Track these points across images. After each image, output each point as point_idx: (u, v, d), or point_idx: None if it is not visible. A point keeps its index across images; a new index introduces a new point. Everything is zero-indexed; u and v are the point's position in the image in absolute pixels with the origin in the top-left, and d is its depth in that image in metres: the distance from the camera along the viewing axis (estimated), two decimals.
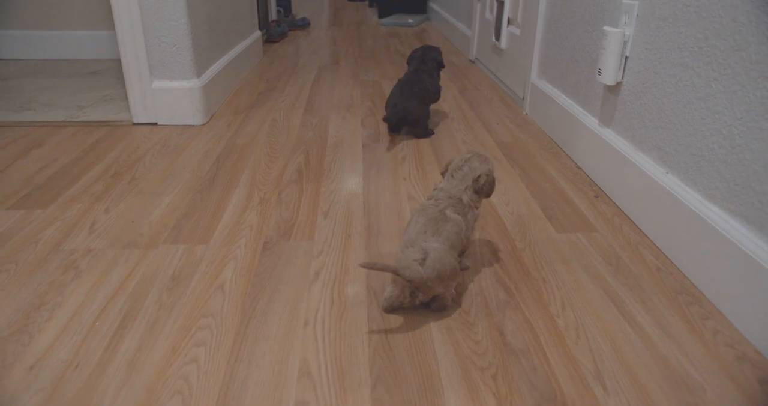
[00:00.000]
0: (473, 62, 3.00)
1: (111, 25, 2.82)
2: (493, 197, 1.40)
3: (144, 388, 0.81)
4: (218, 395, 0.80)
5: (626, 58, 1.37)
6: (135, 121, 1.91)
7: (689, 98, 1.12)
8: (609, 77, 1.40)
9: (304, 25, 4.20)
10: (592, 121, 1.55)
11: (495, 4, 2.54)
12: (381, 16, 4.84)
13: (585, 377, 0.84)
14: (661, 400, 0.80)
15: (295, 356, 0.88)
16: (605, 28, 1.39)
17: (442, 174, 1.08)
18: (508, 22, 2.38)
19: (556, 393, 0.81)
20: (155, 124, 1.92)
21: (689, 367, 0.87)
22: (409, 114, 1.77)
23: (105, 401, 0.79)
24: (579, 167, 1.59)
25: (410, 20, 4.42)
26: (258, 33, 2.94)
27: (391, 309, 0.98)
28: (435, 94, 1.88)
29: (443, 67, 1.98)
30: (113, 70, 2.63)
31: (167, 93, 1.88)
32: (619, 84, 1.40)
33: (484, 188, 1.04)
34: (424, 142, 1.77)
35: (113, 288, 1.04)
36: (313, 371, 0.85)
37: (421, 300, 0.96)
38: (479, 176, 1.03)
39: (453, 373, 0.85)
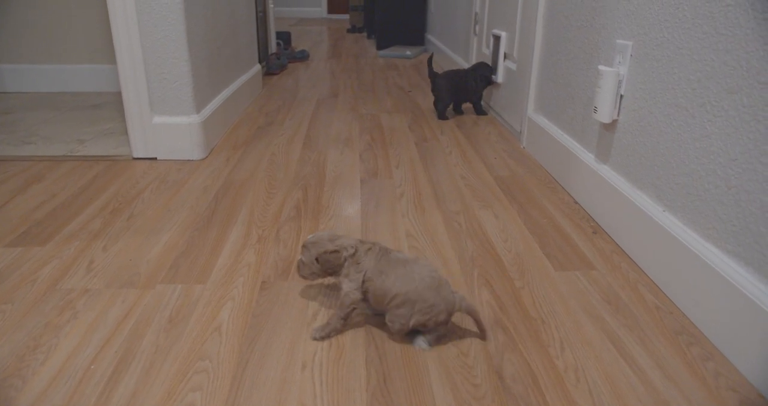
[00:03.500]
0: None
1: (113, 59, 2.85)
2: (491, 234, 1.40)
3: None
4: None
5: (621, 96, 1.38)
6: (135, 155, 1.92)
7: (684, 138, 1.13)
8: (605, 115, 1.41)
9: (303, 57, 4.25)
10: (588, 157, 1.56)
11: (491, 39, 2.58)
12: (379, 47, 4.90)
13: None
14: None
15: (293, 402, 0.87)
16: (600, 67, 1.41)
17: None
18: (505, 56, 2.42)
19: None
20: (155, 158, 1.93)
21: None
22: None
23: None
24: (577, 203, 1.60)
25: (408, 52, 4.48)
26: (258, 66, 2.98)
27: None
28: (472, 94, 2.53)
29: (490, 83, 2.52)
30: (114, 104, 2.66)
31: (167, 128, 1.90)
32: (614, 122, 1.42)
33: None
34: (422, 178, 1.78)
35: (109, 330, 1.03)
36: None
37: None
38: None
39: None
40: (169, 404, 0.86)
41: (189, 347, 0.98)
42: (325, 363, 0.95)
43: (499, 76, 2.45)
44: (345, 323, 1.02)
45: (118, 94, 2.80)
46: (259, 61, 3.10)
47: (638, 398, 0.88)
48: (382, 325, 1.04)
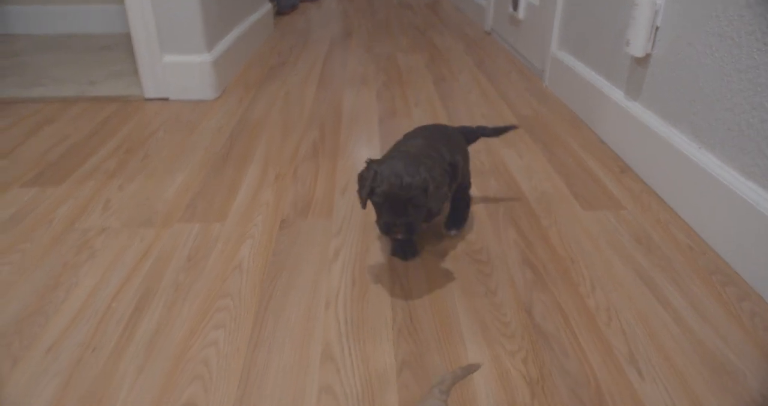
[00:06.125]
0: (489, 34, 2.92)
1: None
2: (515, 173, 1.36)
3: (163, 372, 0.79)
4: (239, 380, 0.78)
5: (657, 28, 1.30)
6: (146, 96, 1.87)
7: (728, 70, 1.06)
8: (638, 48, 1.34)
9: None
10: (617, 94, 1.49)
11: None
12: None
13: (619, 361, 0.81)
14: (700, 386, 0.77)
15: (317, 340, 0.85)
16: None
17: None
18: None
19: (589, 378, 0.78)
20: (167, 99, 1.88)
21: (728, 352, 0.83)
22: None
23: (124, 386, 0.77)
24: (603, 142, 1.54)
25: None
26: (269, 5, 2.87)
27: None
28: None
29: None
30: (124, 45, 2.58)
31: (178, 67, 1.84)
32: (648, 56, 1.34)
33: None
34: (441, 117, 1.72)
35: (129, 268, 1.01)
36: (336, 355, 0.82)
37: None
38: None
39: (481, 357, 0.82)
40: (193, 341, 0.84)
41: (210, 286, 0.97)
42: (350, 301, 0.93)
43: (521, 13, 2.34)
44: None
45: (129, 36, 2.72)
46: (270, 0, 2.99)
47: (672, 337, 0.86)
48: (405, 264, 1.02)
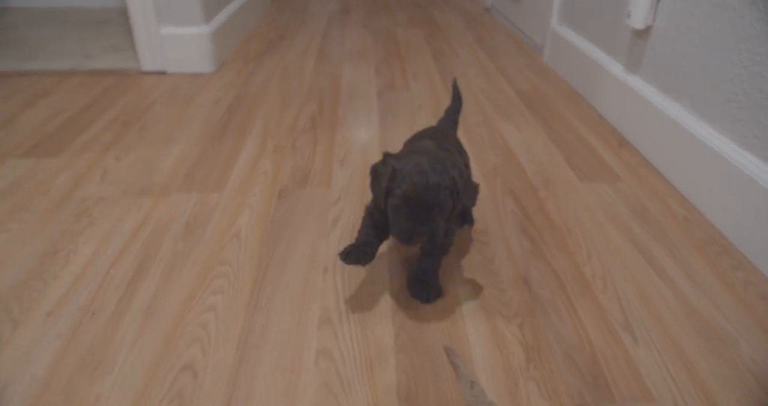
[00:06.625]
0: (488, 10, 2.89)
1: None
2: (514, 146, 1.36)
3: (162, 336, 0.80)
4: (238, 343, 0.79)
5: None
6: (143, 69, 1.86)
7: (728, 40, 1.06)
8: (638, 20, 1.33)
9: None
10: (617, 68, 1.49)
11: None
12: None
13: (614, 327, 0.82)
14: (693, 352, 0.78)
15: (315, 305, 0.86)
16: None
17: None
18: None
19: (584, 343, 0.79)
20: (164, 72, 1.87)
21: (721, 319, 0.84)
22: None
23: (123, 349, 0.78)
24: (602, 116, 1.54)
25: None
26: None
27: None
28: None
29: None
30: (121, 19, 2.55)
31: (176, 39, 1.82)
32: (648, 28, 1.33)
33: None
34: (440, 91, 1.71)
35: (127, 236, 1.02)
36: (334, 319, 0.83)
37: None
38: None
39: (478, 322, 0.83)
40: (191, 306, 0.85)
41: (208, 253, 0.97)
42: (348, 268, 0.93)
43: None
44: None
45: (125, 11, 2.69)
46: None
47: (667, 305, 0.87)
48: None
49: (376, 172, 0.79)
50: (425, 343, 0.79)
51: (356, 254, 0.80)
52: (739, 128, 1.03)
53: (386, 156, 0.78)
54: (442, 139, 0.92)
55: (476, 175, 1.22)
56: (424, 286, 0.87)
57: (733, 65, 1.04)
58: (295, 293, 0.88)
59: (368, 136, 1.40)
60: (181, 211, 1.09)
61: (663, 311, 0.85)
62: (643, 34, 1.36)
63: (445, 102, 1.62)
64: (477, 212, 1.09)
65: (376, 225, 0.83)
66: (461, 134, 1.41)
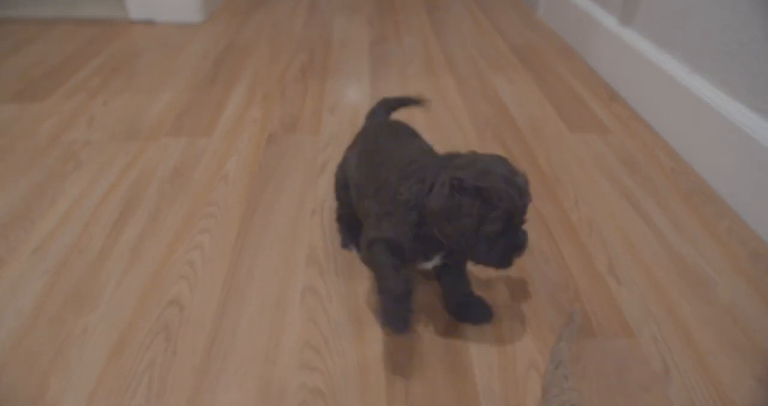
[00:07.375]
0: None
1: None
2: (505, 98, 1.35)
3: (148, 273, 0.80)
4: (224, 280, 0.79)
5: None
6: (131, 17, 1.82)
7: None
8: None
9: None
10: (611, 22, 1.47)
11: None
12: None
13: (598, 270, 0.83)
14: (673, 293, 0.79)
15: (302, 244, 0.86)
16: None
17: None
18: None
19: (568, 283, 0.80)
20: (152, 21, 1.83)
21: (703, 263, 0.85)
22: None
23: (110, 284, 0.78)
24: (594, 70, 1.53)
25: None
26: None
27: None
28: None
29: None
30: None
31: None
32: None
33: None
34: (433, 44, 1.69)
35: (114, 178, 1.01)
36: (321, 258, 0.83)
37: None
38: None
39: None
40: (178, 245, 0.85)
41: (196, 195, 0.97)
42: (335, 209, 0.93)
43: None
44: None
45: None
46: None
47: (651, 250, 0.88)
48: None
49: (453, 205, 0.60)
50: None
51: (404, 314, 0.63)
52: (730, 78, 1.02)
53: (452, 179, 0.60)
54: (412, 136, 0.81)
55: (467, 126, 1.22)
56: (477, 306, 0.74)
57: (727, 13, 1.03)
58: (283, 233, 0.88)
59: (359, 86, 1.39)
60: (169, 155, 1.08)
61: (647, 256, 0.86)
62: None
63: (438, 55, 1.61)
64: None
65: (396, 263, 0.64)
66: (454, 86, 1.40)
